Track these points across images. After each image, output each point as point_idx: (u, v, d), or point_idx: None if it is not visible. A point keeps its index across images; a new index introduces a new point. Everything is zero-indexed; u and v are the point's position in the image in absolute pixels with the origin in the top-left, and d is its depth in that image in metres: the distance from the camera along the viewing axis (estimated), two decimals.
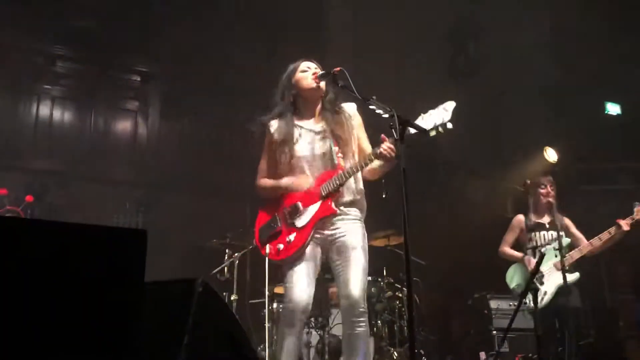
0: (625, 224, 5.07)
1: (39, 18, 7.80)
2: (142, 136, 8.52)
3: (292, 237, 3.50)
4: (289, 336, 3.46)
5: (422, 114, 3.21)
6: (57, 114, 8.10)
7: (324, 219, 3.51)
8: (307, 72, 3.65)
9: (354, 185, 3.59)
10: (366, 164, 3.47)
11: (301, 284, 3.46)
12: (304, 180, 3.56)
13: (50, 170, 7.71)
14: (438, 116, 3.14)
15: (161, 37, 8.30)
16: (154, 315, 1.77)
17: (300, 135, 3.62)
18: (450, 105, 3.15)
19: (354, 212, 3.59)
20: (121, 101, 8.60)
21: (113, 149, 8.28)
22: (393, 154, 3.29)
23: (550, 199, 5.35)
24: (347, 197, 3.56)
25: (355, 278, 3.42)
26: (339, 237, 3.52)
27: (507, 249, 5.71)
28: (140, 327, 1.53)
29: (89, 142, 8.15)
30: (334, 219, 3.53)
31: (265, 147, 3.75)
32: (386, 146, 3.31)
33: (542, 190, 5.52)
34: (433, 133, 3.16)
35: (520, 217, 5.69)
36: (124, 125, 8.49)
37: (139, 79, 8.65)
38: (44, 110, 8.02)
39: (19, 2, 7.52)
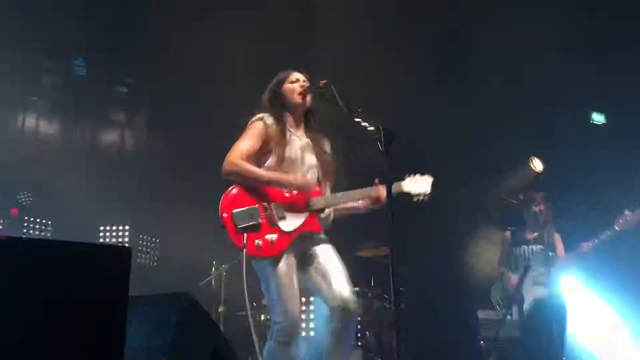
0: (586, 247, 5.16)
1: (26, 30, 7.78)
2: (130, 148, 8.50)
3: (274, 238, 3.39)
4: (287, 354, 3.38)
5: (408, 177, 3.58)
6: (43, 125, 8.07)
7: (306, 233, 3.49)
8: (295, 84, 3.65)
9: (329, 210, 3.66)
10: (359, 198, 3.61)
11: (294, 297, 3.41)
12: (304, 180, 3.50)
13: (36, 182, 7.67)
14: (422, 185, 3.57)
15: (148, 49, 8.30)
16: (139, 329, 1.77)
17: (290, 138, 3.60)
18: (430, 180, 3.58)
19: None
20: (108, 113, 8.59)
21: (100, 161, 8.26)
22: (380, 203, 3.56)
23: (543, 216, 5.40)
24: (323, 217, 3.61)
25: (343, 280, 3.42)
26: (314, 243, 3.54)
27: (500, 267, 5.78)
28: (125, 342, 1.53)
29: (76, 153, 8.12)
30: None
31: (253, 132, 3.57)
32: (382, 190, 3.51)
33: (535, 207, 5.55)
34: (416, 199, 3.58)
35: (507, 234, 5.75)
36: (111, 137, 8.48)
37: (126, 90, 8.65)
38: (31, 122, 8.00)
39: (4, 15, 7.49)
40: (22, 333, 1.49)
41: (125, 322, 1.56)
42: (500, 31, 7.55)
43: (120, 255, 1.55)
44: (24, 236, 6.27)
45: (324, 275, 3.44)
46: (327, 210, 3.62)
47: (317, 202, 3.51)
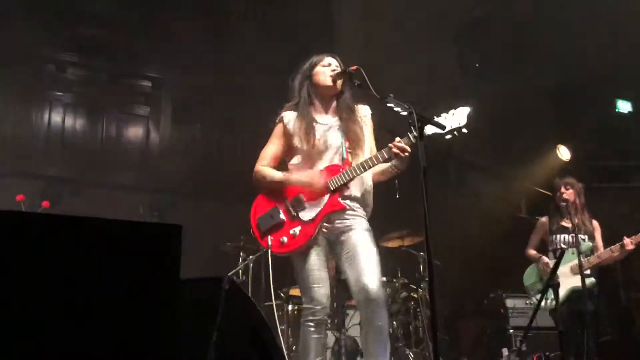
0: (629, 243, 5.05)
1: (50, 26, 7.84)
2: (154, 141, 8.54)
3: (297, 230, 3.43)
4: (317, 339, 3.42)
5: (435, 117, 3.28)
6: (69, 120, 8.14)
7: (331, 214, 3.47)
8: (327, 68, 3.63)
9: (362, 181, 3.55)
10: (376, 163, 3.43)
11: (322, 283, 3.43)
12: (317, 176, 3.46)
13: (63, 176, 7.74)
14: (454, 119, 3.27)
15: (171, 43, 8.33)
16: (183, 312, 1.77)
17: (314, 127, 3.59)
18: (466, 110, 3.28)
19: (358, 208, 3.54)
20: (132, 107, 8.63)
21: (125, 155, 8.31)
22: (406, 153, 3.34)
23: (570, 200, 5.35)
24: (354, 193, 3.52)
25: (370, 268, 3.34)
26: (346, 230, 3.47)
27: (530, 251, 5.72)
28: (175, 323, 1.53)
29: (101, 148, 8.19)
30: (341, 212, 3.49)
31: (274, 136, 3.69)
32: (398, 143, 3.34)
33: (557, 193, 5.53)
34: (449, 136, 3.29)
35: (544, 220, 5.70)
36: (135, 131, 8.51)
37: (150, 84, 8.68)
38: (56, 117, 8.06)
39: (29, 10, 7.56)
40: (66, 316, 1.48)
41: (175, 305, 1.55)
42: (522, 19, 7.48)
43: (170, 233, 1.55)
44: None
45: (351, 263, 3.39)
46: (357, 189, 3.54)
47: (334, 181, 3.46)
